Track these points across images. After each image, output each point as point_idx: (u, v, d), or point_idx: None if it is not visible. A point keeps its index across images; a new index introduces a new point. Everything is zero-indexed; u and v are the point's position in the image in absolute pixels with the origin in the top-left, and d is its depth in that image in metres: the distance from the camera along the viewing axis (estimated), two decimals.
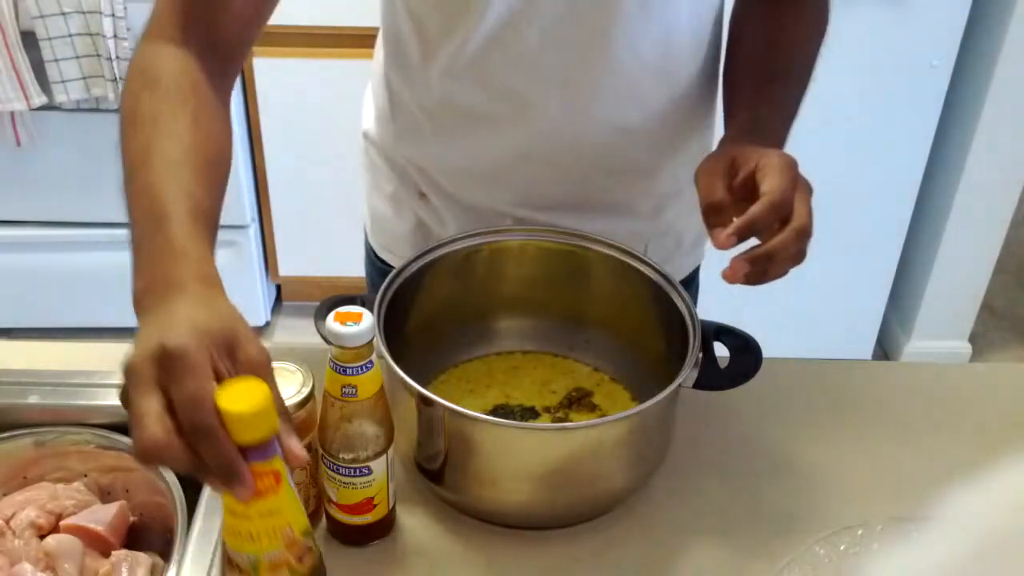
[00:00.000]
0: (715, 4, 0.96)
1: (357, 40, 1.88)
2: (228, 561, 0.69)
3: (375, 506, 0.81)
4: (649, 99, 0.95)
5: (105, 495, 0.89)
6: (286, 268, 2.39)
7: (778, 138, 0.88)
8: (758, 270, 0.76)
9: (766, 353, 0.85)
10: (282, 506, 0.66)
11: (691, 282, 1.14)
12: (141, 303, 0.62)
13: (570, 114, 0.93)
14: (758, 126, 0.87)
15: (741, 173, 0.80)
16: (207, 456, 0.56)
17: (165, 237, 0.64)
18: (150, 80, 0.74)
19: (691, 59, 0.95)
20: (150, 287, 0.62)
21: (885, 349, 2.48)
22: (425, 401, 0.79)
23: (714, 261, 1.13)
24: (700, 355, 0.83)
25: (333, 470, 0.78)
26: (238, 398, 0.61)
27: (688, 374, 0.82)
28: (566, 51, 0.89)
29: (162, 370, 0.57)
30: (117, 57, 1.89)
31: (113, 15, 1.86)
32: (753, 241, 0.77)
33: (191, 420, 0.56)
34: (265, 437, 0.63)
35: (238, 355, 0.60)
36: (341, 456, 0.77)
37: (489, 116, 0.94)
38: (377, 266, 1.12)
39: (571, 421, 0.92)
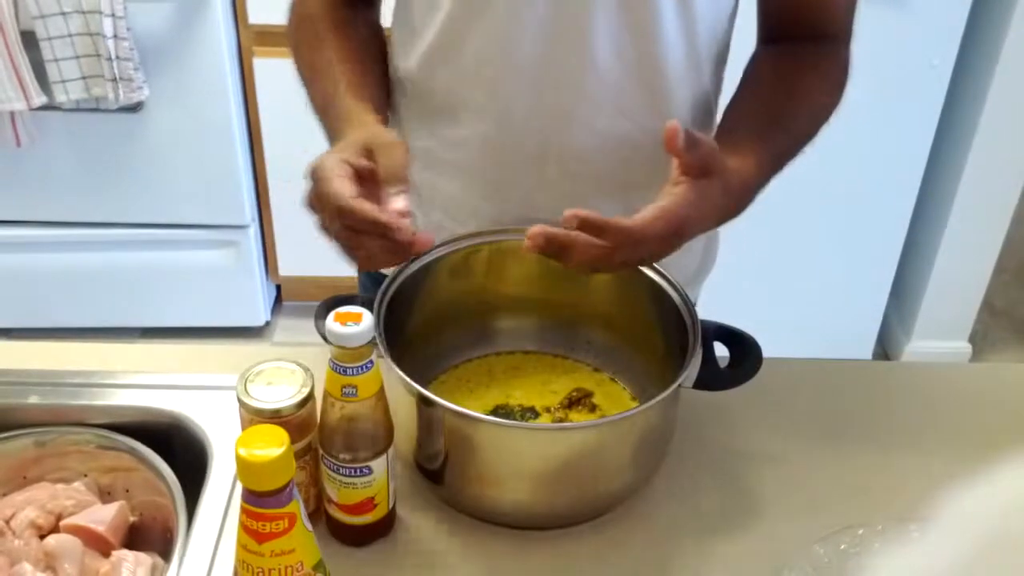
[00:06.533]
0: (713, 41, 0.94)
1: None
2: None
3: (375, 506, 0.81)
4: (635, 111, 0.93)
5: (105, 495, 0.89)
6: (286, 268, 2.38)
7: (748, 189, 0.85)
8: (552, 251, 0.77)
9: (766, 353, 0.85)
10: (295, 545, 0.68)
11: None
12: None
13: (544, 109, 0.92)
14: (740, 176, 0.84)
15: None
16: (346, 226, 0.74)
17: (334, 113, 0.88)
18: (303, 20, 0.98)
19: (684, 84, 0.94)
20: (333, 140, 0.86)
21: (885, 349, 2.48)
22: (425, 401, 0.79)
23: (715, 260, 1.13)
24: (700, 355, 0.83)
25: (333, 470, 0.78)
26: (257, 447, 0.64)
27: (688, 374, 0.82)
28: (539, 41, 0.88)
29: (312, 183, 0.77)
30: (117, 57, 1.89)
31: (113, 15, 1.85)
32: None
33: (328, 214, 0.75)
34: (282, 485, 0.65)
35: (376, 155, 0.78)
36: (341, 456, 0.77)
37: (464, 103, 0.94)
38: (369, 272, 1.11)
39: (571, 421, 0.92)
